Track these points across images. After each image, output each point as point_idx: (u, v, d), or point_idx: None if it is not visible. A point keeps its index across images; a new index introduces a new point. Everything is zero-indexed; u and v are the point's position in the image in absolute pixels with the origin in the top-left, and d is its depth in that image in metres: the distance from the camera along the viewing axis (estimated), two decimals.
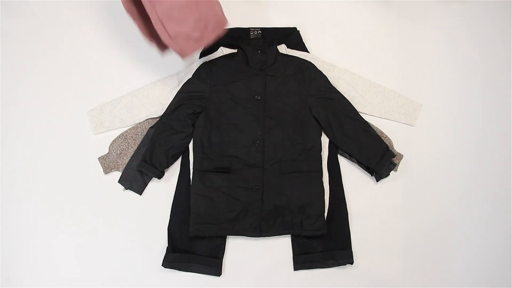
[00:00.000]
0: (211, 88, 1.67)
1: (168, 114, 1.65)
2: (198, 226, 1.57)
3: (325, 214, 1.61)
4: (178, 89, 1.68)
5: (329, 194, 1.65)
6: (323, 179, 1.64)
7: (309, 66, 1.70)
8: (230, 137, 1.64)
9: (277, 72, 1.69)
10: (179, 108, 1.64)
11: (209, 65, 1.69)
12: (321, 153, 1.66)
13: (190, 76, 1.69)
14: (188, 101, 1.65)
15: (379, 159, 1.62)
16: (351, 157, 1.70)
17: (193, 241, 1.60)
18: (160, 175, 1.63)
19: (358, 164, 1.70)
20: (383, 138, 1.72)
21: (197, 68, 1.69)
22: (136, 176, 1.67)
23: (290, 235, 1.64)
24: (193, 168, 1.63)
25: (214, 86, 1.67)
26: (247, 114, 1.65)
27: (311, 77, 1.69)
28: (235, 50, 1.74)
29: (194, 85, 1.67)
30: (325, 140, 1.69)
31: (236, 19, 1.83)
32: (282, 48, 1.77)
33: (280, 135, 1.64)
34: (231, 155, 1.63)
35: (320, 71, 1.71)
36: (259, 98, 1.66)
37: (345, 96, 1.70)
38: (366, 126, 1.66)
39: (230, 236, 1.63)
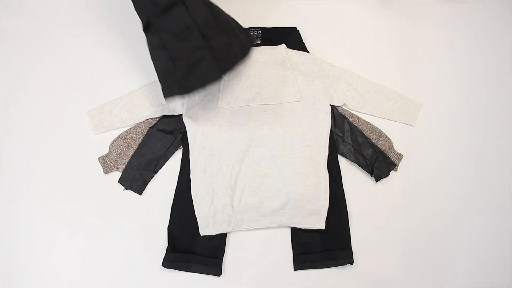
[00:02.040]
0: None
1: None
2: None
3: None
4: None
5: (329, 194, 1.65)
6: None
7: None
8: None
9: None
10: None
11: None
12: None
13: None
14: None
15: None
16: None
17: (193, 241, 1.60)
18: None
19: (358, 164, 1.70)
20: (383, 138, 1.72)
21: None
22: (136, 176, 1.67)
23: (290, 235, 1.64)
24: None
25: None
26: None
27: None
28: None
29: None
30: (325, 140, 1.69)
31: (236, 19, 1.83)
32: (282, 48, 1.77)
33: None
34: None
35: None
36: None
37: (345, 96, 1.70)
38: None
39: (230, 236, 1.63)
